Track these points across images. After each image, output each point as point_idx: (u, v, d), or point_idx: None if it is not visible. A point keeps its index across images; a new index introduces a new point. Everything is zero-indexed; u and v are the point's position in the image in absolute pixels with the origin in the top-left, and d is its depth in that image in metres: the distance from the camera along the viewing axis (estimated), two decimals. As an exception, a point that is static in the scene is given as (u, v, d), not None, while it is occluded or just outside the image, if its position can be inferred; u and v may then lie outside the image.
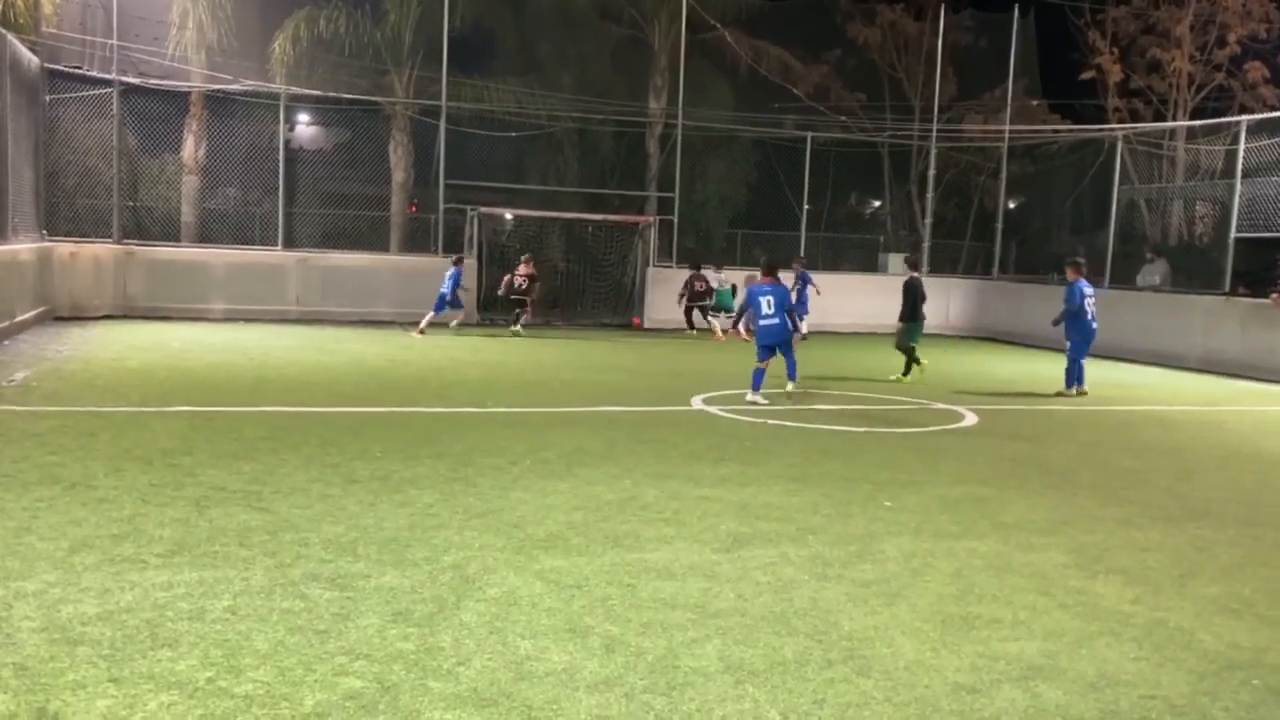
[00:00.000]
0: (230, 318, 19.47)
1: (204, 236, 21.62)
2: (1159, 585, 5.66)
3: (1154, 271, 21.79)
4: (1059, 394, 13.86)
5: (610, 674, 4.13)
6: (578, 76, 24.28)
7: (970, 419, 11.42)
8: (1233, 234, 18.78)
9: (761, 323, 11.83)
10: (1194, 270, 21.56)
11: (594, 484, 7.37)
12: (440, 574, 5.25)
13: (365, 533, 5.91)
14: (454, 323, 19.69)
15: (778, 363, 11.98)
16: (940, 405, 12.37)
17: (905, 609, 5.07)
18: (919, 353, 14.68)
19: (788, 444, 9.36)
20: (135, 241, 19.91)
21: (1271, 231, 18.44)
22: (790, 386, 12.04)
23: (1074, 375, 14.07)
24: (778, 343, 11.84)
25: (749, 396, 11.67)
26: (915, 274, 15.37)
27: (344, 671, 4.04)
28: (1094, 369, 18.15)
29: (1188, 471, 9.09)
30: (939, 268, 25.94)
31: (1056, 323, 14.25)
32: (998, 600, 5.27)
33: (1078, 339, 14.03)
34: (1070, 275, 14.31)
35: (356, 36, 22.22)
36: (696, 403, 11.63)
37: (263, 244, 20.96)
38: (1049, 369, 17.58)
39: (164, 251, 20.04)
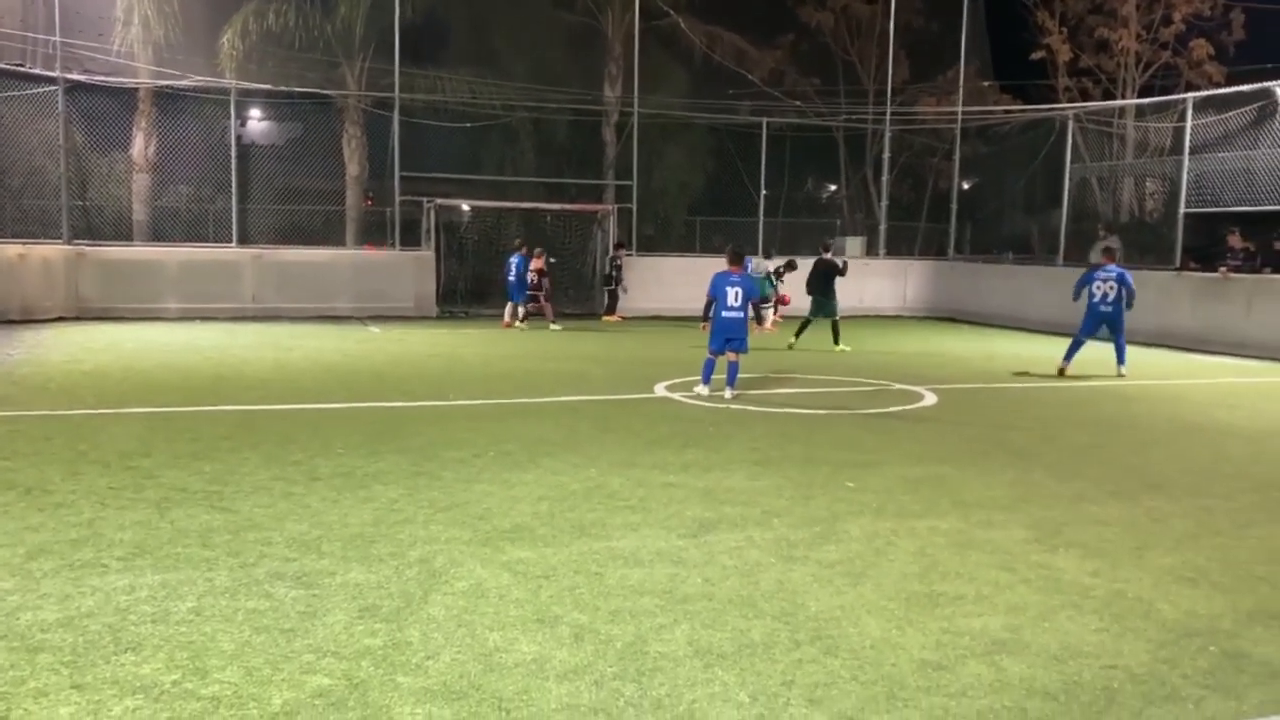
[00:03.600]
0: (186, 317, 19.24)
1: (157, 235, 21.32)
2: (1117, 557, 5.75)
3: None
4: (1059, 372, 14.12)
5: (580, 662, 4.14)
6: (532, 66, 24.16)
7: (929, 399, 11.53)
8: (1182, 209, 19.08)
9: (724, 314, 11.18)
10: (1146, 246, 21.91)
11: (559, 474, 7.37)
12: (406, 568, 5.23)
13: (329, 529, 5.87)
14: (520, 320, 19.49)
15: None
16: (900, 386, 12.47)
17: (870, 588, 5.12)
18: (808, 332, 16.70)
19: (750, 428, 9.41)
20: (86, 242, 19.62)
21: (1219, 206, 18.76)
22: (728, 393, 11.06)
23: (1069, 353, 14.26)
24: (732, 335, 11.19)
25: (696, 388, 11.28)
26: (825, 255, 17.19)
27: (311, 669, 4.02)
28: (1049, 346, 18.40)
29: (1143, 445, 9.24)
30: (896, 250, 26.14)
31: (1076, 298, 14.63)
32: (961, 577, 5.34)
33: (1084, 319, 14.30)
34: (1103, 260, 14.63)
35: (306, 29, 21.95)
36: (660, 390, 11.65)
37: (217, 241, 20.71)
38: (1007, 347, 17.82)
39: (116, 251, 19.75)
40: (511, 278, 19.35)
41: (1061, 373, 13.93)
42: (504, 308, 19.75)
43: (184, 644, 4.22)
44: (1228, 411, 11.31)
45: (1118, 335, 14.24)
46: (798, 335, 16.83)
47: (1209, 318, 17.14)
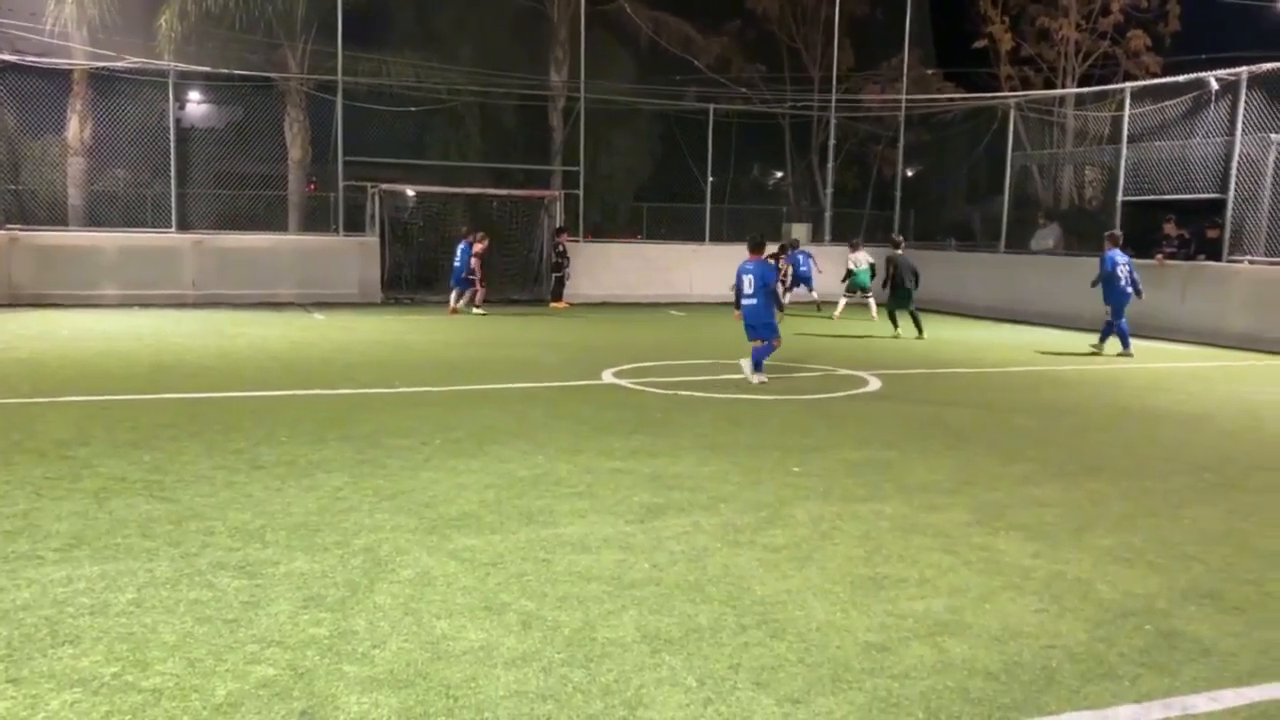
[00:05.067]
0: (124, 303, 18.88)
1: (93, 220, 20.84)
2: (1057, 539, 5.86)
3: (1047, 235, 22.48)
4: (1092, 351, 15.23)
5: (528, 649, 4.14)
6: (477, 49, 23.99)
7: (874, 384, 11.65)
8: (1120, 197, 19.44)
9: (743, 302, 11.29)
10: (1085, 233, 22.27)
11: (506, 461, 7.35)
12: (352, 557, 5.19)
13: (273, 519, 5.80)
14: (462, 301, 19.57)
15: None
16: (844, 371, 12.59)
17: (815, 572, 5.17)
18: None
19: (697, 414, 9.44)
20: (19, 226, 19.14)
21: (1156, 195, 19.13)
22: (754, 377, 11.23)
23: (1108, 333, 15.21)
24: (754, 323, 11.27)
25: (754, 379, 11.24)
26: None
27: (256, 660, 3.98)
28: (989, 331, 18.69)
29: (1082, 429, 9.42)
30: (841, 236, 26.32)
31: (1095, 284, 15.28)
32: (904, 560, 5.41)
33: (1113, 304, 15.06)
34: (1106, 246, 15.25)
35: (247, 10, 21.52)
36: (608, 376, 11.65)
37: (156, 227, 20.31)
38: (949, 333, 18.05)
39: (50, 236, 19.30)
40: (457, 264, 19.26)
41: (1124, 356, 14.93)
42: (450, 292, 19.63)
43: (124, 636, 4.15)
44: (1162, 395, 11.56)
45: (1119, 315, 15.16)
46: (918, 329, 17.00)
47: (1145, 304, 17.46)
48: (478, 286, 19.61)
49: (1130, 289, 14.92)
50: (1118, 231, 15.95)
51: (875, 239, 27.05)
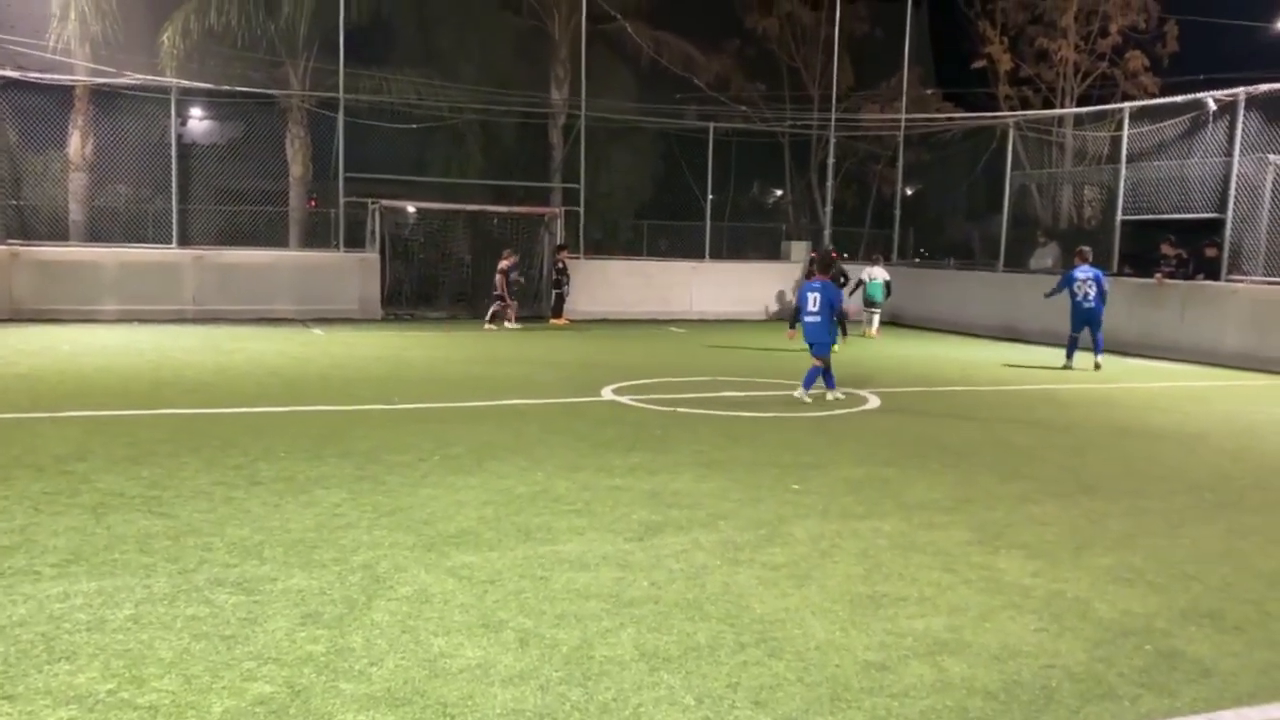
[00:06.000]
0: (124, 319, 18.87)
1: (94, 235, 20.87)
2: (1057, 558, 5.85)
3: (1046, 254, 22.49)
4: (1063, 367, 15.60)
5: (525, 667, 4.13)
6: (478, 67, 24.08)
7: (873, 402, 11.64)
8: (1119, 217, 19.49)
9: (805, 319, 11.51)
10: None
11: (504, 477, 7.34)
12: (350, 574, 5.17)
13: (271, 535, 5.79)
14: (493, 323, 19.92)
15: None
16: (843, 389, 12.57)
17: (815, 590, 5.16)
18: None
19: (696, 431, 9.44)
20: (20, 242, 19.15)
21: (1155, 214, 19.18)
22: (797, 393, 11.45)
23: (1069, 351, 15.76)
24: (812, 342, 11.44)
25: (829, 395, 11.45)
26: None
27: (252, 677, 3.97)
28: (988, 350, 18.69)
29: (1081, 448, 9.41)
30: (839, 254, 26.34)
31: (1047, 295, 16.04)
32: (903, 578, 5.40)
33: (1071, 316, 15.62)
34: (1075, 262, 15.77)
35: (249, 28, 21.65)
36: (607, 393, 11.65)
37: (156, 242, 20.33)
38: (948, 352, 18.06)
39: (52, 251, 19.31)
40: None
41: (1065, 368, 15.45)
42: (452, 309, 19.86)
43: (120, 652, 4.14)
44: (1161, 415, 11.56)
45: (1096, 331, 15.51)
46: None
47: (1144, 323, 17.51)
48: (506, 302, 19.97)
49: (1087, 302, 15.31)
50: (1085, 248, 16.19)
51: (874, 257, 27.19)
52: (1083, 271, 15.41)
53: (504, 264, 19.87)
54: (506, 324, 19.77)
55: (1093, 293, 15.28)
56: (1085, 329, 15.60)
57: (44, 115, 20.16)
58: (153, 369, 12.77)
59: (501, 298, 19.95)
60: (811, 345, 11.51)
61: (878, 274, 20.80)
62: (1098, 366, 15.32)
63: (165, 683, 3.89)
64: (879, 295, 20.71)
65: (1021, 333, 20.39)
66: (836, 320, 11.82)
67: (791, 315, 11.90)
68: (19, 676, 3.90)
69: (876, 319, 20.89)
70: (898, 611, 4.91)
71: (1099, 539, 6.29)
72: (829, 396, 11.51)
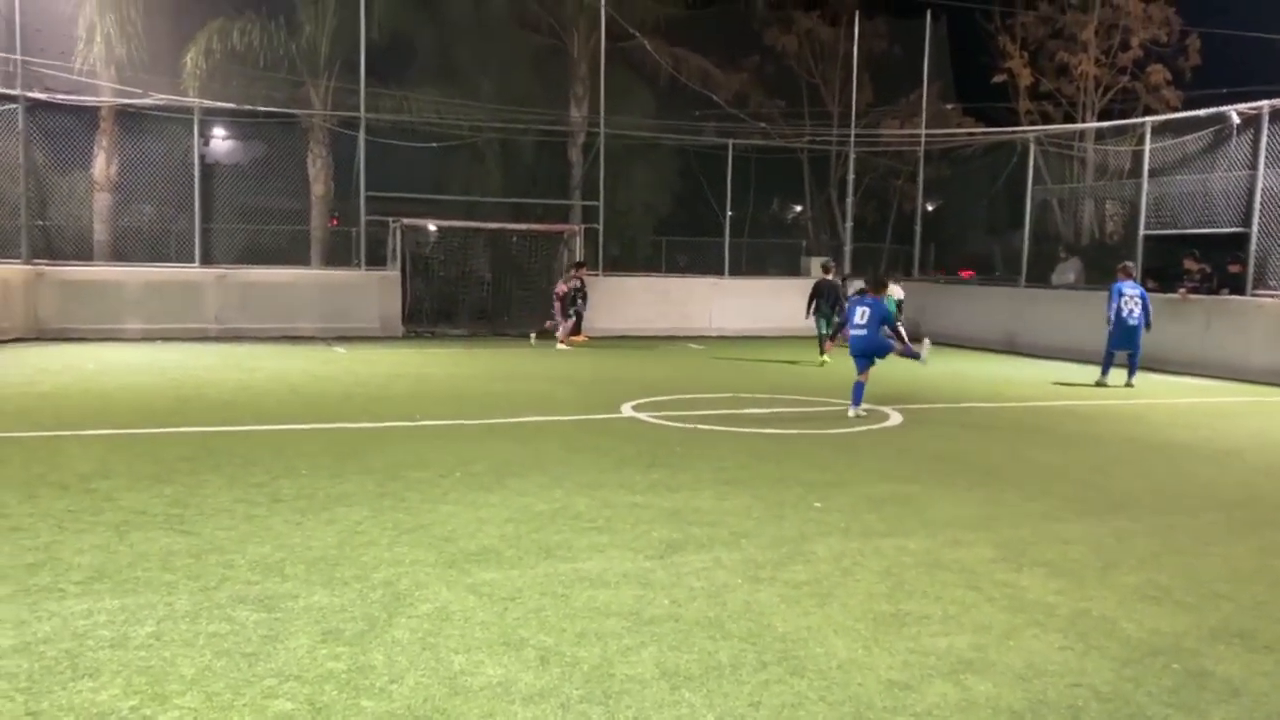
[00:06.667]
0: (147, 337, 19.02)
1: (118, 255, 21.06)
2: (1082, 576, 5.79)
3: (1068, 269, 22.39)
4: (1097, 383, 15.40)
5: (546, 685, 4.11)
6: (498, 86, 24.19)
7: (895, 419, 11.59)
8: (1141, 231, 19.36)
9: (852, 331, 11.77)
10: (1106, 268, 22.14)
11: (525, 495, 7.33)
12: (370, 591, 5.17)
13: (292, 552, 5.80)
14: (533, 337, 20.41)
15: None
16: (866, 406, 12.52)
17: (837, 608, 5.12)
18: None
19: (717, 448, 9.41)
20: (46, 261, 19.35)
21: (1178, 228, 19.05)
22: (850, 411, 11.57)
23: (1104, 367, 15.56)
24: (860, 353, 11.64)
25: (850, 411, 11.58)
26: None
27: (274, 694, 3.96)
28: (1010, 366, 18.59)
29: (1106, 464, 9.33)
30: (861, 270, 26.29)
31: (1109, 323, 15.50)
32: (927, 596, 5.35)
33: (1111, 331, 15.38)
34: (1118, 277, 15.59)
35: (271, 48, 21.85)
36: (627, 410, 11.64)
37: (179, 261, 20.51)
38: (970, 368, 17.97)
39: (76, 271, 19.50)
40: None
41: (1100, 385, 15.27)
42: (473, 326, 19.96)
43: (143, 669, 4.15)
44: (1189, 431, 11.45)
45: (1135, 350, 15.35)
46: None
47: (1168, 338, 17.34)
48: (558, 320, 20.27)
49: (1132, 320, 15.12)
50: (1128, 263, 16.22)
51: (895, 273, 27.11)
52: (1130, 287, 15.23)
53: (562, 287, 20.35)
54: (559, 343, 20.07)
55: (1137, 309, 15.08)
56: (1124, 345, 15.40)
57: (70, 136, 20.40)
58: (175, 387, 12.85)
59: (566, 314, 20.34)
60: (857, 359, 11.69)
61: (896, 291, 20.78)
62: (1130, 384, 15.13)
63: (187, 700, 3.89)
64: (892, 312, 20.89)
65: (1044, 349, 20.28)
66: (891, 336, 11.99)
67: (835, 327, 12.06)
68: (43, 693, 3.91)
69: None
70: (921, 630, 4.86)
71: (1125, 557, 6.22)
72: (850, 413, 11.51)
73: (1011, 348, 21.18)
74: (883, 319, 11.71)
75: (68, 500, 6.85)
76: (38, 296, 18.80)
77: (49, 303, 18.87)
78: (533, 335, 20.50)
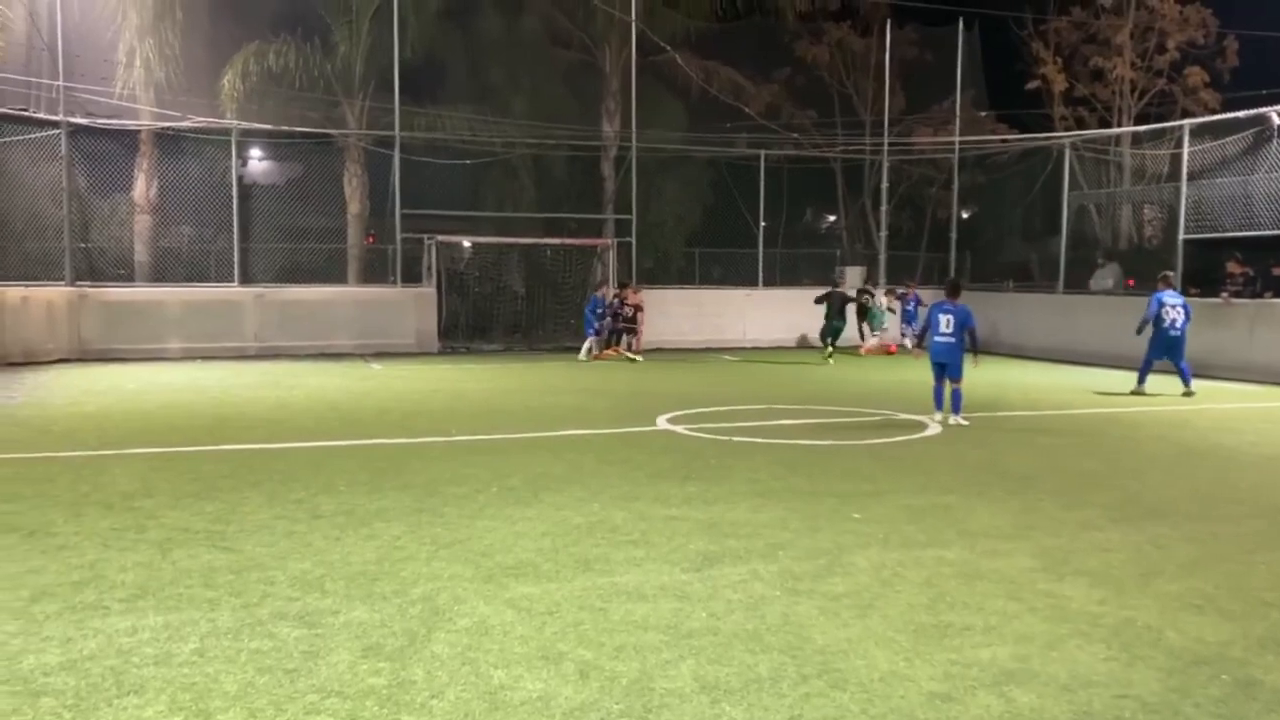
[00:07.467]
0: (188, 356, 19.26)
1: (159, 275, 21.38)
2: (1124, 585, 5.72)
3: (1106, 275, 22.15)
4: (1133, 392, 15.06)
5: (585, 699, 4.11)
6: (530, 102, 24.33)
7: (932, 428, 11.50)
8: (1181, 236, 19.12)
9: (936, 339, 11.88)
10: (1145, 273, 21.90)
11: (561, 508, 7.35)
12: (410, 606, 5.20)
13: (332, 568, 5.85)
14: (582, 353, 20.60)
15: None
16: (903, 415, 12.45)
17: (877, 620, 5.09)
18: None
19: (752, 460, 9.38)
20: (88, 283, 19.67)
21: (1219, 232, 18.79)
22: (951, 419, 11.67)
23: (1141, 375, 15.18)
24: (944, 361, 11.79)
25: (936, 416, 11.82)
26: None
27: (315, 710, 3.99)
28: (1047, 373, 18.40)
29: (1147, 471, 9.21)
30: (897, 279, 26.19)
31: (1139, 331, 15.11)
32: (968, 607, 5.30)
33: (1153, 341, 15.00)
34: (1159, 286, 15.26)
35: (307, 69, 22.11)
36: (661, 422, 11.64)
37: (219, 281, 20.78)
38: (1007, 375, 17.80)
39: (118, 292, 19.81)
40: (588, 314, 21.00)
41: (1137, 393, 14.94)
42: (507, 341, 20.10)
43: (187, 686, 4.19)
44: (1232, 436, 11.28)
45: (1180, 360, 14.93)
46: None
47: (1211, 343, 17.09)
48: (638, 332, 20.91)
49: (1174, 330, 14.78)
50: (1169, 272, 15.91)
51: (931, 281, 26.94)
52: (1171, 297, 14.90)
53: (636, 299, 20.88)
54: (629, 355, 20.49)
55: (1180, 319, 14.74)
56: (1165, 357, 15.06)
57: (111, 160, 20.76)
58: (215, 406, 13.00)
59: (632, 329, 20.79)
60: (945, 366, 11.80)
61: (884, 302, 21.28)
62: (1189, 394, 14.68)
63: (230, 716, 3.93)
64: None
65: (1082, 355, 20.06)
66: (970, 342, 11.98)
67: (919, 334, 12.23)
68: (89, 710, 3.97)
69: (875, 341, 22.65)
70: (963, 641, 4.82)
71: (1166, 565, 6.14)
72: (936, 418, 11.71)
73: (1050, 355, 20.96)
74: (965, 325, 11.77)
75: (112, 519, 6.95)
76: (81, 318, 19.10)
77: (92, 324, 19.16)
78: (632, 356, 20.67)
